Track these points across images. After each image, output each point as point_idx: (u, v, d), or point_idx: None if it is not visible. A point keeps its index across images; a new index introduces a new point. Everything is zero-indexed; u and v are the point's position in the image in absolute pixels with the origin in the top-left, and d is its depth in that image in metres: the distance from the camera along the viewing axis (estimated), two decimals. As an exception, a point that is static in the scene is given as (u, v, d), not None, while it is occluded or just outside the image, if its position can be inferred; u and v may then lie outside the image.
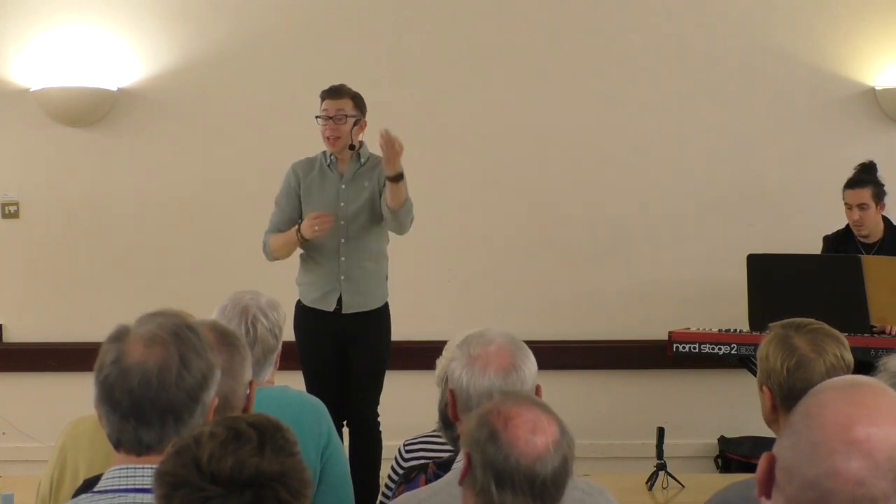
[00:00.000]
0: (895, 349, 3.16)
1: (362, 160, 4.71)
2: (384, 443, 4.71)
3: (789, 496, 1.30)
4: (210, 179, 5.95)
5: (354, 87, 4.71)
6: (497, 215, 5.99)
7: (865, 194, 5.11)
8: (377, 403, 4.73)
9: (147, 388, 1.84)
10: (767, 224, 5.98)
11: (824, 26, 6.01)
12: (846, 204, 5.16)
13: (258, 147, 5.87)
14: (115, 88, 5.90)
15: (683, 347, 5.09)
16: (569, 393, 5.37)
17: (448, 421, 2.50)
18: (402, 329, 4.92)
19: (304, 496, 1.54)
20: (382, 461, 4.64)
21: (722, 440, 5.89)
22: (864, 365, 2.81)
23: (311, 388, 4.54)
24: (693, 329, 5.20)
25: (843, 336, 2.51)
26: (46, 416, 5.36)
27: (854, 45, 5.99)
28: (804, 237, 5.52)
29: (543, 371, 2.39)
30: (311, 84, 4.89)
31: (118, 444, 1.88)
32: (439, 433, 2.91)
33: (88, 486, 1.93)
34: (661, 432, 4.47)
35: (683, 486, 4.42)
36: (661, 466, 4.44)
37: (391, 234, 4.74)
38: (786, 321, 2.52)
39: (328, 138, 4.65)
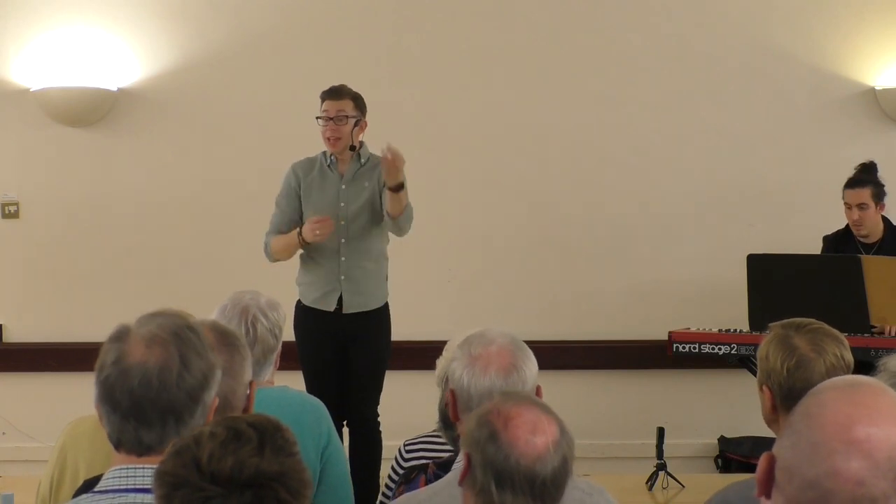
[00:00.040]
0: (895, 349, 3.16)
1: (362, 160, 4.71)
2: (384, 443, 4.71)
3: (789, 496, 1.30)
4: (210, 179, 5.95)
5: (354, 88, 4.71)
6: (497, 215, 5.99)
7: (865, 194, 5.11)
8: (377, 403, 4.73)
9: (148, 389, 1.84)
10: (767, 224, 5.98)
11: (824, 26, 6.01)
12: (846, 204, 5.16)
13: (258, 147, 5.87)
14: (115, 88, 5.90)
15: (683, 347, 5.09)
16: (569, 393, 5.36)
17: (448, 421, 2.50)
18: (402, 329, 4.92)
19: (303, 496, 1.54)
20: (382, 461, 4.64)
21: (722, 440, 5.89)
22: (864, 365, 2.81)
23: (311, 388, 4.55)
24: (693, 329, 5.20)
25: (843, 336, 2.51)
26: (46, 416, 5.36)
27: (854, 45, 6.00)
28: (804, 237, 5.52)
29: (543, 371, 2.39)
30: (311, 84, 4.89)
31: (119, 445, 1.88)
32: (439, 433, 2.91)
33: (89, 486, 1.93)
34: (661, 432, 4.47)
35: (683, 486, 4.42)
36: (661, 466, 4.44)
37: (391, 235, 4.74)
38: (786, 321, 2.52)
39: (329, 139, 4.65)
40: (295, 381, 3.84)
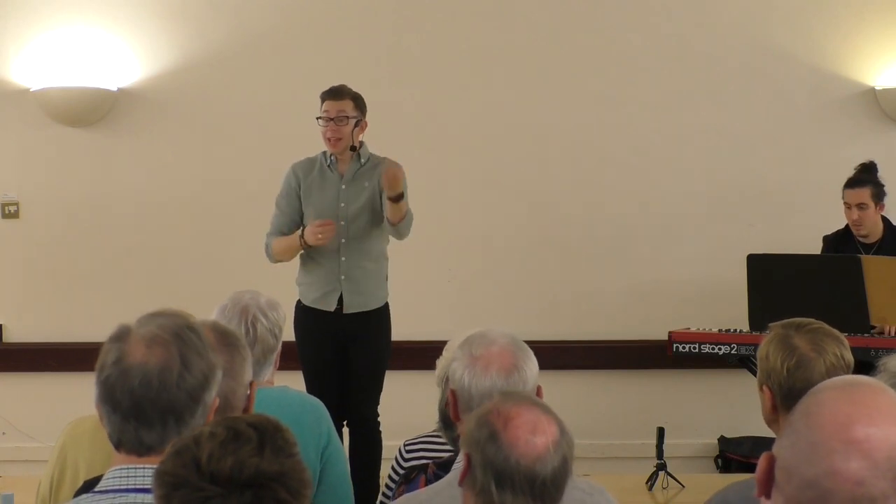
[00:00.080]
0: (895, 349, 3.16)
1: (363, 160, 4.71)
2: (384, 443, 4.71)
3: (789, 496, 1.30)
4: (210, 179, 5.95)
5: (354, 88, 4.71)
6: (497, 215, 5.99)
7: (864, 194, 5.11)
8: (377, 403, 4.73)
9: (148, 389, 1.84)
10: (767, 224, 5.98)
11: (824, 26, 6.01)
12: (845, 203, 5.16)
13: (258, 147, 5.87)
14: (115, 88, 5.90)
15: (683, 347, 5.09)
16: (569, 393, 5.37)
17: (448, 421, 2.50)
18: (402, 329, 4.92)
19: (303, 496, 1.54)
20: (382, 461, 4.64)
21: (722, 440, 5.89)
22: (864, 365, 2.81)
23: (311, 388, 4.55)
24: (693, 329, 5.20)
25: (843, 336, 2.51)
26: (46, 416, 5.36)
27: (854, 45, 5.99)
28: (804, 237, 5.52)
29: (543, 371, 2.39)
30: (311, 84, 4.89)
31: (119, 445, 1.88)
32: (439, 433, 2.91)
33: (89, 486, 1.93)
34: (661, 432, 4.47)
35: (683, 486, 4.42)
36: (661, 466, 4.44)
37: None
38: (786, 321, 2.52)
39: (329, 140, 4.65)
40: (295, 381, 3.84)
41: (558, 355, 5.67)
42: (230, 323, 2.82)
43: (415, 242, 4.89)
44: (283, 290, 3.99)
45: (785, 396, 2.40)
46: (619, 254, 6.01)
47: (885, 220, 5.20)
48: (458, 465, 2.07)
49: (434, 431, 3.02)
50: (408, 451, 3.13)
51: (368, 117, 4.72)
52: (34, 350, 5.93)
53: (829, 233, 5.32)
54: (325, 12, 5.97)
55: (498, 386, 2.26)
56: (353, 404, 4.67)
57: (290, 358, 3.72)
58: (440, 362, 2.94)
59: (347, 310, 4.65)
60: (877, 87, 5.98)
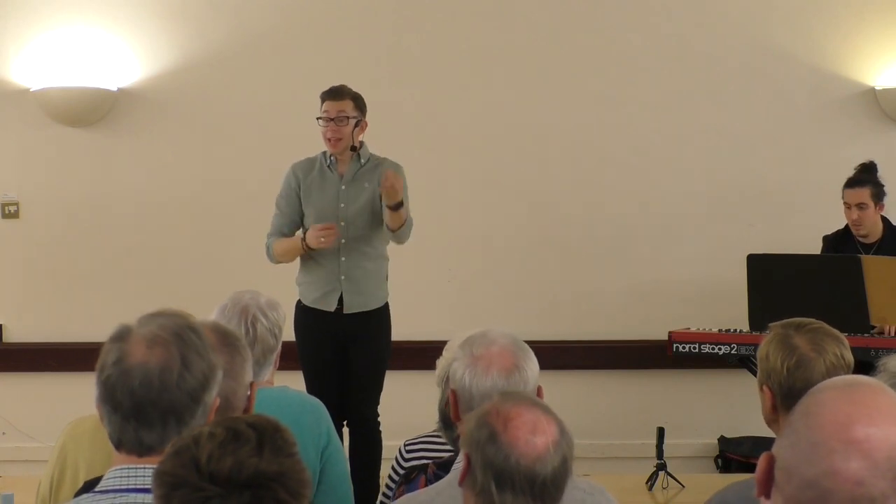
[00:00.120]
0: (895, 349, 3.16)
1: (363, 161, 4.71)
2: (384, 443, 4.71)
3: (788, 496, 1.30)
4: (210, 179, 5.95)
5: (354, 88, 4.71)
6: (497, 215, 5.99)
7: (864, 194, 5.11)
8: (377, 403, 4.73)
9: (148, 389, 1.84)
10: (767, 224, 5.98)
11: (824, 26, 6.01)
12: (845, 203, 5.16)
13: (258, 147, 5.87)
14: (115, 88, 5.90)
15: (683, 347, 5.09)
16: (569, 393, 5.37)
17: (448, 421, 2.50)
18: (402, 329, 4.92)
19: (302, 496, 1.54)
20: (382, 461, 4.64)
21: (722, 440, 5.89)
22: (864, 365, 2.81)
23: (311, 388, 4.55)
24: (693, 329, 5.20)
25: (843, 336, 2.51)
26: (46, 416, 5.36)
27: (854, 45, 5.99)
28: (804, 237, 5.52)
29: (543, 371, 2.39)
30: (311, 84, 4.89)
31: (119, 445, 1.88)
32: (439, 433, 2.91)
33: (89, 487, 1.93)
34: (661, 432, 4.47)
35: (683, 486, 4.42)
36: (661, 466, 4.44)
37: (391, 236, 4.75)
38: (786, 321, 2.52)
39: (329, 140, 4.65)
40: (295, 381, 3.84)
41: (558, 355, 5.67)
42: (230, 323, 2.82)
43: (415, 242, 4.89)
44: (283, 290, 3.99)
45: (785, 396, 2.40)
46: (619, 254, 6.01)
47: (884, 220, 5.20)
48: (459, 465, 2.07)
49: (434, 431, 3.02)
50: (408, 452, 3.13)
51: (368, 117, 4.72)
52: (34, 350, 5.93)
53: (829, 233, 5.32)
54: (325, 12, 5.97)
55: (499, 386, 2.26)
56: (353, 404, 4.67)
57: (290, 358, 3.72)
58: (440, 362, 2.94)
59: (347, 310, 4.65)
60: (877, 87, 5.98)
